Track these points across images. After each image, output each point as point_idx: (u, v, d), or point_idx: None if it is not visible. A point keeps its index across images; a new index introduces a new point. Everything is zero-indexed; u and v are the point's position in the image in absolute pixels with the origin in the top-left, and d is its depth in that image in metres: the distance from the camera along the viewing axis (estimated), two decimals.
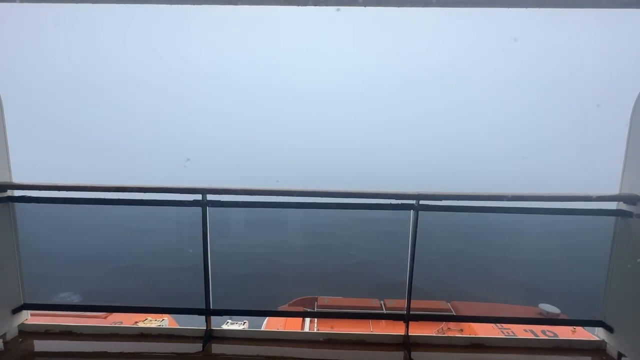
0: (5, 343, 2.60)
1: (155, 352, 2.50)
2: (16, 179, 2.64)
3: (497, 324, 4.44)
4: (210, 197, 2.52)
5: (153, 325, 2.85)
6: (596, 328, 2.71)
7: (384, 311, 4.38)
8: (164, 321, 4.81)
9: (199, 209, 2.53)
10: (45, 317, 3.02)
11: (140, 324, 4.42)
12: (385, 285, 3.19)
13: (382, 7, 1.86)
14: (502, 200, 2.40)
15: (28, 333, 2.74)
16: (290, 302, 5.16)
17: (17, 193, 2.66)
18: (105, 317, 4.78)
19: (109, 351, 2.51)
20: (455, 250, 2.94)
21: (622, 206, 2.51)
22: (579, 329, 3.72)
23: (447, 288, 3.15)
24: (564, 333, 4.02)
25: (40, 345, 2.61)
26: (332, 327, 4.68)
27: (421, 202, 2.47)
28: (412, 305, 2.65)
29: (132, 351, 2.51)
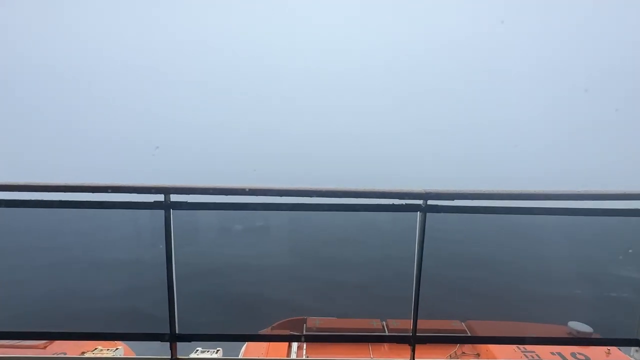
0: None
1: None
2: None
3: (520, 346, 4.57)
4: (174, 197, 2.52)
5: (104, 356, 2.84)
6: (632, 348, 2.82)
7: (387, 333, 4.45)
8: (118, 350, 4.77)
9: (160, 213, 2.52)
10: None
11: (89, 355, 4.38)
12: (388, 302, 3.25)
13: None
14: (524, 199, 2.46)
15: None
16: (274, 325, 5.19)
17: None
18: (45, 347, 4.72)
19: None
20: (470, 260, 3.02)
21: None
22: (613, 349, 3.87)
23: (460, 304, 3.23)
24: (597, 355, 4.16)
25: None
26: (324, 354, 4.74)
27: (429, 202, 2.52)
28: (419, 326, 2.70)
29: None
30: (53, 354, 4.37)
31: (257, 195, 2.48)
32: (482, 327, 4.31)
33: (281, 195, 2.49)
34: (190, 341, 2.74)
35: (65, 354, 4.35)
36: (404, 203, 2.55)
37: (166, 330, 2.67)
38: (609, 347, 3.93)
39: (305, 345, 4.99)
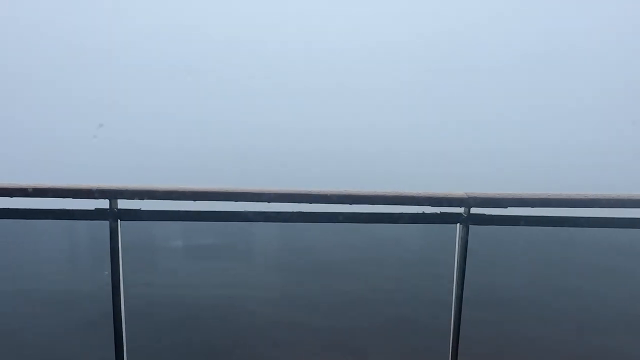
0: None
1: None
2: None
3: None
4: (123, 204, 2.51)
5: None
6: None
7: None
8: None
9: (104, 224, 2.51)
10: None
11: None
12: (417, 351, 3.18)
13: None
14: (615, 206, 2.41)
15: None
16: None
17: None
18: None
19: None
20: (533, 292, 2.94)
21: None
22: None
23: (520, 354, 3.15)
24: None
25: None
26: None
27: (473, 210, 2.48)
28: None
29: None
30: None
31: (240, 201, 2.47)
32: None
33: (273, 202, 2.47)
34: None
35: None
36: (438, 212, 2.51)
37: None
38: None
39: None
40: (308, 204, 2.49)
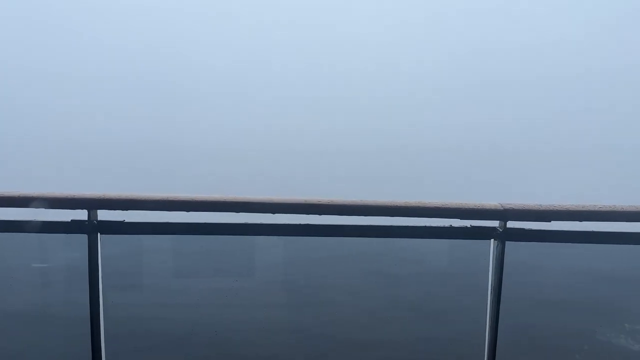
0: None
1: None
2: None
3: None
4: (103, 214, 2.49)
5: None
6: None
7: None
8: None
9: (82, 238, 2.49)
10: None
11: None
12: None
13: None
14: None
15: None
16: None
17: None
18: None
19: None
20: (583, 322, 2.88)
21: None
22: None
23: None
24: None
25: None
26: None
27: (510, 224, 2.44)
28: None
29: None
30: None
31: (237, 211, 2.43)
32: None
33: (275, 213, 2.44)
34: None
35: None
36: (468, 225, 2.48)
37: None
38: None
39: None
40: (317, 216, 2.47)
